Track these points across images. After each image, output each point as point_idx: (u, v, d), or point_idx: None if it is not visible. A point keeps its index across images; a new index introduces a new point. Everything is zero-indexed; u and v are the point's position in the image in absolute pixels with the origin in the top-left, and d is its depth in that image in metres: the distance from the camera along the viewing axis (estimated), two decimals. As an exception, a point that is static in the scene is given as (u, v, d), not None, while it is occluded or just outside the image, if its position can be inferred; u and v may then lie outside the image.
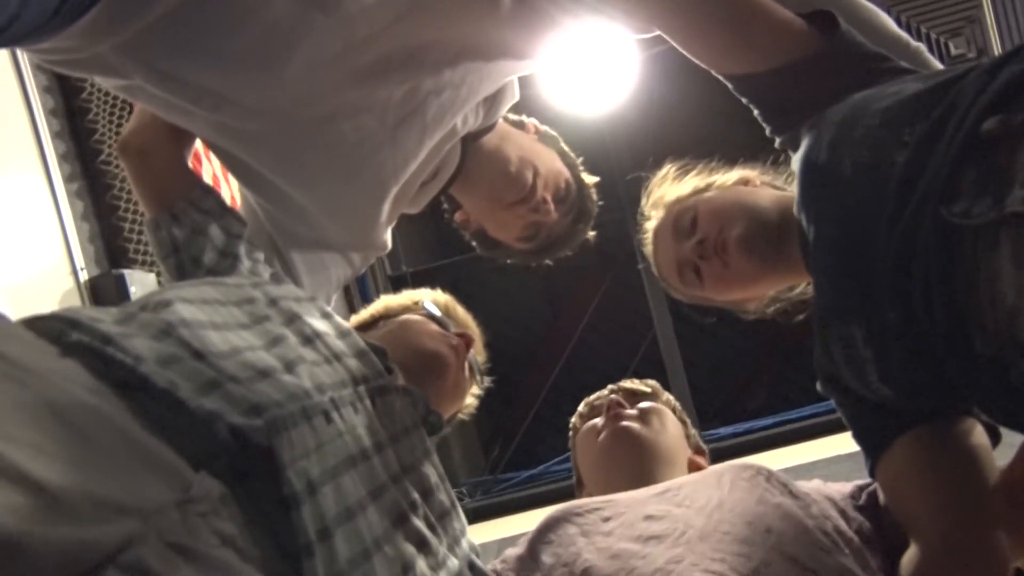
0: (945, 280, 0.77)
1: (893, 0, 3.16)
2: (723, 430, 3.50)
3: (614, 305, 5.36)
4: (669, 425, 1.35)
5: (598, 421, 1.36)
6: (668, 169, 1.29)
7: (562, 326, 5.55)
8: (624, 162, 3.66)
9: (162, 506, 0.56)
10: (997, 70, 0.81)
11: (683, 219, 1.16)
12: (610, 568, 1.01)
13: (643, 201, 1.30)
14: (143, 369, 0.66)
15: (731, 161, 1.25)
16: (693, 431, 1.43)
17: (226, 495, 0.63)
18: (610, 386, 1.45)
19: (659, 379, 1.50)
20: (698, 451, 1.40)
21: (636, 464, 1.27)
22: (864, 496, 1.14)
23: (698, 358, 4.89)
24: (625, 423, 1.31)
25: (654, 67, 2.88)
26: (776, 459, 2.89)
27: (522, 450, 5.05)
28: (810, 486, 1.17)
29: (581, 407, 1.46)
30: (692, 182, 1.22)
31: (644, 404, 1.36)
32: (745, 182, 1.19)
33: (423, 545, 0.81)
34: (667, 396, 1.44)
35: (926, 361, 0.83)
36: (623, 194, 3.50)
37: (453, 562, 0.86)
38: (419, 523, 0.83)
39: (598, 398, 1.44)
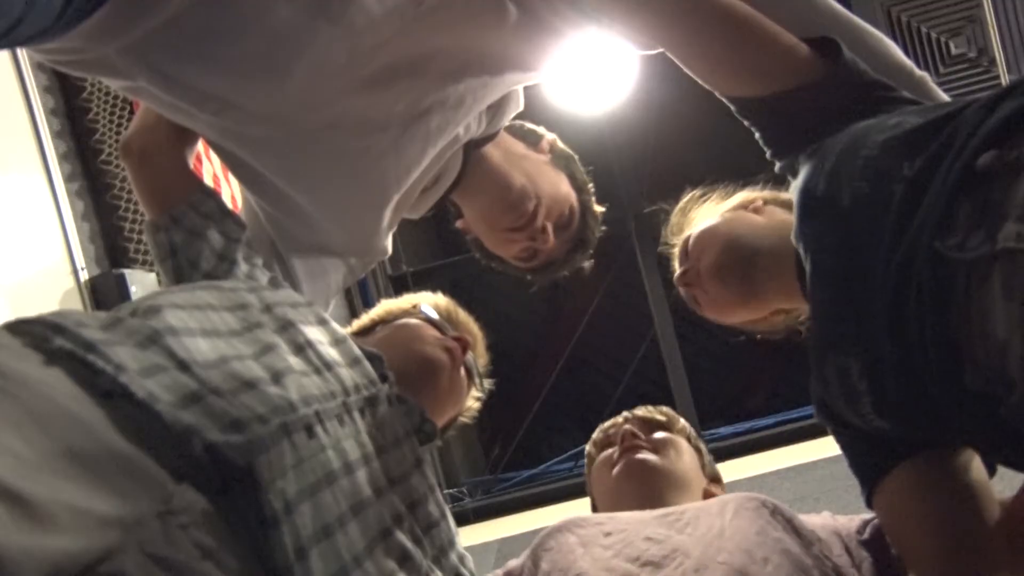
0: (939, 313, 0.77)
1: (894, 0, 3.15)
2: (723, 430, 3.51)
3: (614, 305, 5.36)
4: (684, 455, 1.34)
5: (613, 452, 1.36)
6: (688, 197, 1.30)
7: (562, 326, 5.54)
8: (624, 161, 3.66)
9: (143, 517, 0.56)
10: (995, 105, 0.80)
11: (682, 248, 1.19)
12: None
13: (663, 232, 1.32)
14: (123, 379, 0.66)
15: (746, 182, 1.26)
16: (709, 459, 1.42)
17: (208, 508, 0.62)
18: (624, 413, 1.45)
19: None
20: (714, 479, 1.39)
21: (651, 494, 1.26)
22: (869, 530, 1.14)
23: (698, 358, 4.88)
24: (640, 455, 1.31)
25: (654, 67, 2.87)
26: (776, 459, 2.90)
27: (522, 450, 5.05)
28: (817, 521, 1.17)
29: (595, 434, 1.45)
30: (703, 209, 1.24)
31: (659, 435, 1.36)
32: (745, 205, 1.19)
33: (406, 560, 0.81)
34: (682, 424, 1.44)
35: (920, 394, 0.83)
36: (623, 194, 3.50)
37: (438, 575, 0.86)
38: (403, 537, 0.82)
39: (612, 426, 1.43)
